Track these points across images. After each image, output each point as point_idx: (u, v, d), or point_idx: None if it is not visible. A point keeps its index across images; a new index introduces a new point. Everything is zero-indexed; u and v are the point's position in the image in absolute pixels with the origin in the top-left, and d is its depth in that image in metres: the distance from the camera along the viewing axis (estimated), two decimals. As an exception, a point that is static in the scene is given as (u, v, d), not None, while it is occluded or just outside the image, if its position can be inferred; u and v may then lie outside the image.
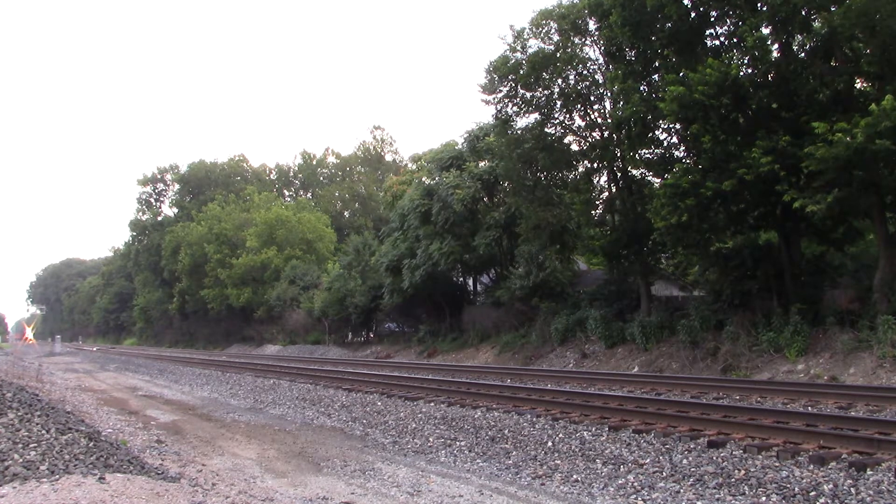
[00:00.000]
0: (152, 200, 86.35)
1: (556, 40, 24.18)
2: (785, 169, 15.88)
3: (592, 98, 24.74)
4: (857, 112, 14.72)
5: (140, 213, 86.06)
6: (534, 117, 25.28)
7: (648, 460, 7.91)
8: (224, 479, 7.73)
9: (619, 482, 7.16)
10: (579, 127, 25.33)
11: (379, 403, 14.13)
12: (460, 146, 36.12)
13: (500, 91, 25.04)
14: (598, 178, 26.97)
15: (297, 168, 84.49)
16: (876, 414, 10.32)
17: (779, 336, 17.14)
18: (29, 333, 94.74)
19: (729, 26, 18.79)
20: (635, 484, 7.05)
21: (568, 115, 25.20)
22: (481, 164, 32.99)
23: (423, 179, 38.55)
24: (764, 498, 6.35)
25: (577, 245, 28.63)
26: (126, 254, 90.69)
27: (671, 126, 20.16)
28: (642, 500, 6.58)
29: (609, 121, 23.93)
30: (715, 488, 6.72)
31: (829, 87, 16.52)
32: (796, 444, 8.03)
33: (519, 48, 24.42)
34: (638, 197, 23.83)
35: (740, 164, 16.26)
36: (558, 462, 8.20)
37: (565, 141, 25.62)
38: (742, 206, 18.09)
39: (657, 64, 20.40)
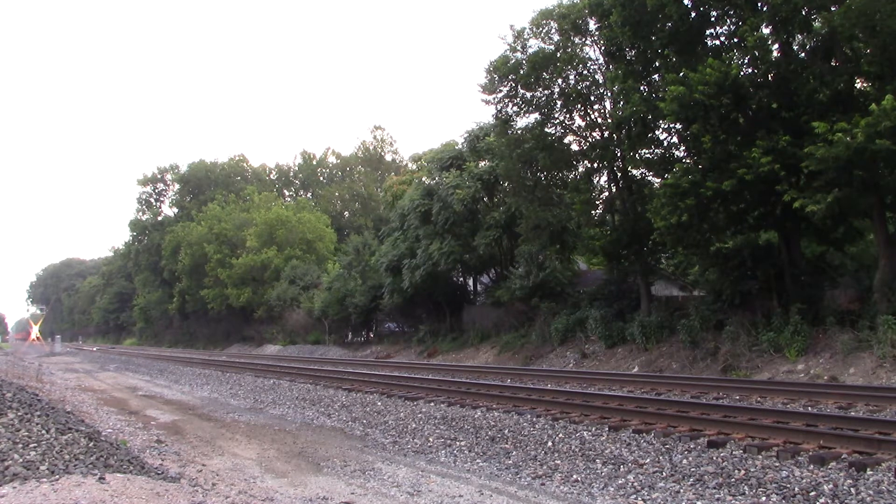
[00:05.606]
0: (152, 200, 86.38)
1: (556, 40, 24.19)
2: (785, 169, 15.89)
3: (592, 98, 24.73)
4: (857, 112, 14.70)
5: (140, 213, 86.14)
6: (534, 117, 25.29)
7: (648, 460, 7.91)
8: (224, 479, 7.73)
9: (619, 482, 7.16)
10: (579, 127, 25.32)
11: (379, 403, 14.12)
12: (460, 146, 36.12)
13: (501, 91, 25.04)
14: (598, 178, 26.97)
15: (297, 168, 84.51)
16: (876, 414, 10.32)
17: (779, 336, 17.13)
18: (35, 332, 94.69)
19: (729, 26, 18.79)
20: (635, 484, 7.05)
21: (568, 115, 25.19)
22: (481, 164, 32.98)
23: (423, 179, 38.55)
24: (764, 498, 6.34)
25: (577, 245, 28.61)
26: (126, 254, 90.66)
27: (671, 126, 20.15)
28: (642, 500, 6.58)
29: (609, 121, 23.93)
30: (715, 488, 6.71)
31: (829, 87, 16.51)
32: (796, 444, 8.03)
33: (519, 48, 24.43)
34: (638, 197, 23.82)
35: (740, 164, 16.26)
36: (558, 462, 8.20)
37: (565, 141, 25.61)
38: (742, 206, 18.10)
39: (657, 64, 20.40)
